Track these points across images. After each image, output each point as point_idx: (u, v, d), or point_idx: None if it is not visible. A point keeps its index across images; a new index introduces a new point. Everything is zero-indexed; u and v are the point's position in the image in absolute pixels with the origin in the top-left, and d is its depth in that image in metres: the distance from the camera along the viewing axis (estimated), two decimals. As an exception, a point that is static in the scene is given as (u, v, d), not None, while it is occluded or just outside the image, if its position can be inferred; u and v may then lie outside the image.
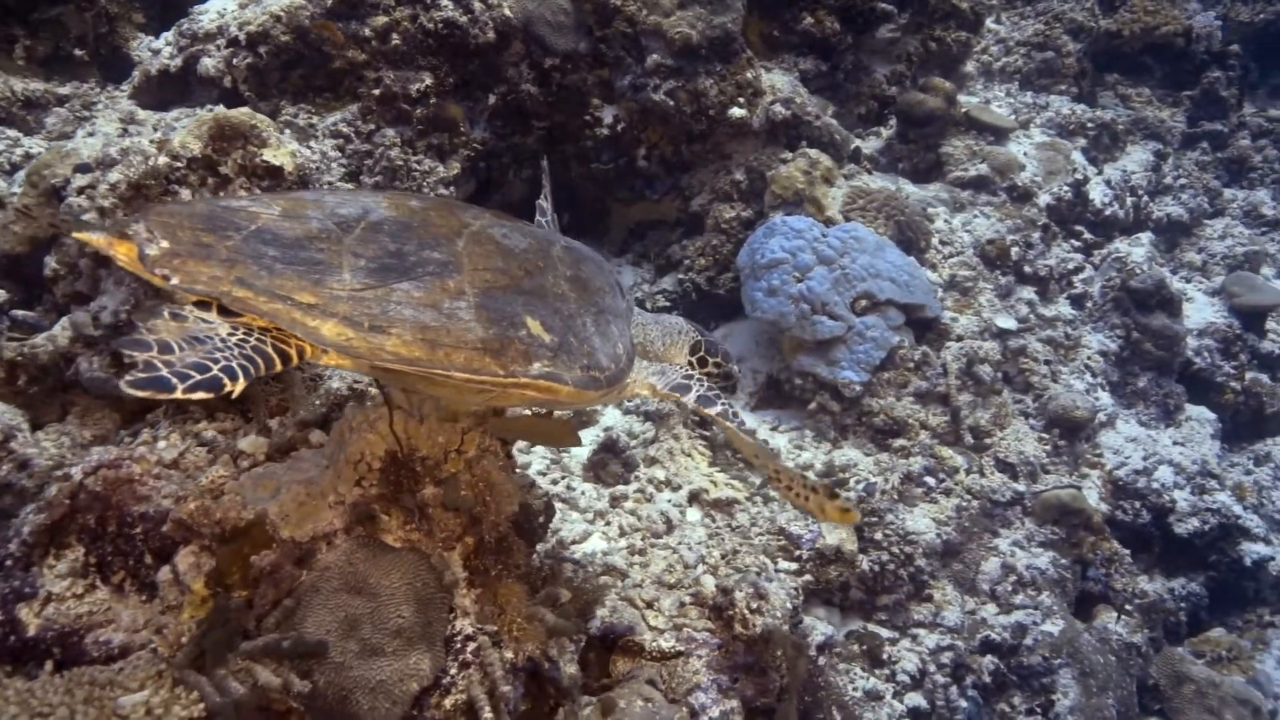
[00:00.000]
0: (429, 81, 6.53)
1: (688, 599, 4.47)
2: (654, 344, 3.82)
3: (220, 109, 4.39)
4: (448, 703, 3.56)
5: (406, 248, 2.99)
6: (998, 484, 6.46)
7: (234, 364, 2.59)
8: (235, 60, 6.22)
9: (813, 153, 7.14)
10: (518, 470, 4.42)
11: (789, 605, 4.65)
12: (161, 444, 4.40)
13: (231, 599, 3.52)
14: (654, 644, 4.22)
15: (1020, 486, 6.52)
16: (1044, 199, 8.06)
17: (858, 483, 6.21)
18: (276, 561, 3.66)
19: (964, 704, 5.84)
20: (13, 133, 5.79)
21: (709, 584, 4.44)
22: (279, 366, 2.73)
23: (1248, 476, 7.87)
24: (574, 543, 5.23)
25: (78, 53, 6.45)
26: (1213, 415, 7.86)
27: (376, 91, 6.37)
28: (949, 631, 5.96)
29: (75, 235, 2.93)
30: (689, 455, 6.00)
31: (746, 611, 4.22)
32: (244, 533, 3.69)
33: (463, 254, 3.06)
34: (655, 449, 6.03)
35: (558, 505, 5.67)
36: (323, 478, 3.80)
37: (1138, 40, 9.43)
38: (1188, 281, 8.91)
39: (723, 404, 3.53)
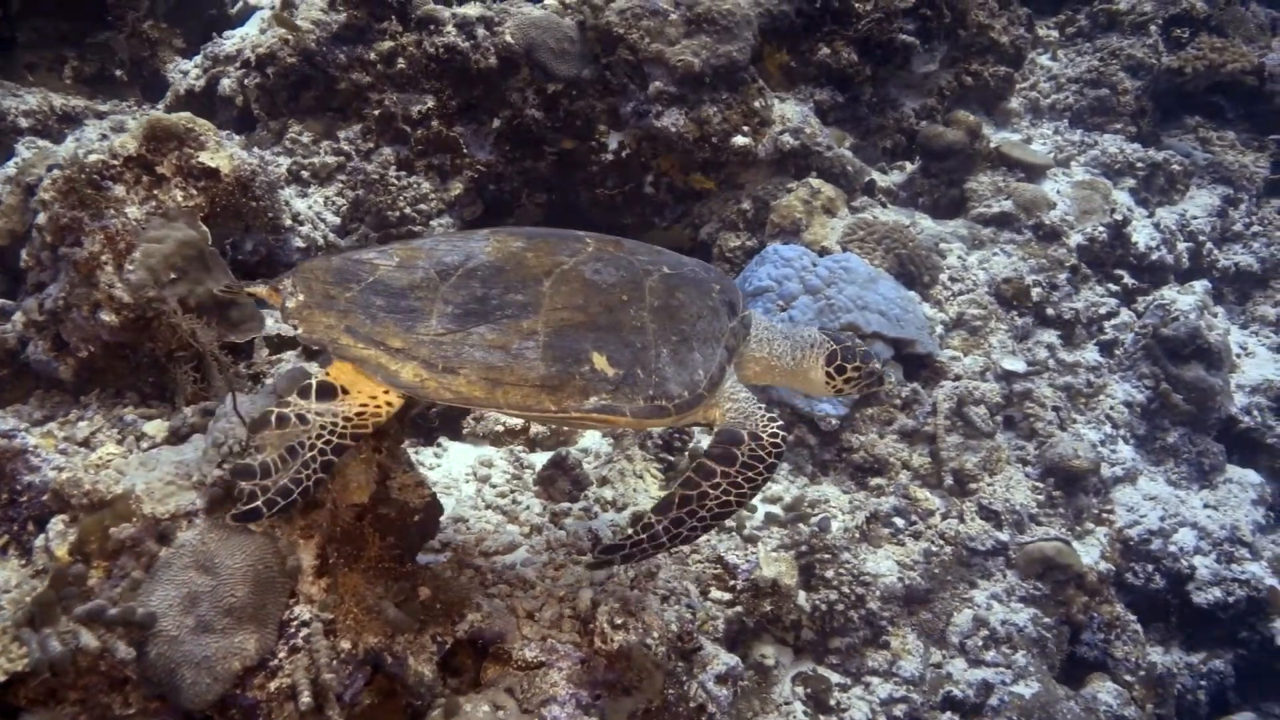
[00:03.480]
0: (431, 104, 6.78)
1: (568, 612, 4.39)
2: (783, 359, 3.90)
3: (155, 112, 4.70)
4: (272, 685, 3.62)
5: (492, 292, 3.36)
6: (977, 531, 6.08)
7: (313, 480, 3.35)
8: (246, 80, 6.63)
9: (815, 182, 7.01)
10: (411, 469, 4.46)
11: (674, 629, 4.52)
12: (82, 423, 4.70)
13: (72, 566, 3.68)
14: (520, 653, 4.17)
15: (1003, 536, 6.11)
16: (1075, 239, 7.60)
17: (827, 516, 5.97)
18: (137, 535, 3.81)
19: (916, 761, 5.50)
20: (44, 143, 6.31)
21: (585, 598, 4.35)
22: (354, 446, 3.45)
23: (1298, 550, 7.14)
24: (497, 553, 5.22)
25: (118, 73, 7.02)
26: (1259, 479, 7.18)
27: (376, 112, 6.65)
28: (905, 682, 5.62)
29: (247, 289, 3.69)
30: (640, 477, 5.92)
31: (607, 626, 4.13)
32: (109, 505, 3.86)
33: (545, 294, 3.38)
34: (608, 469, 5.98)
35: (496, 516, 5.70)
36: (193, 459, 3.97)
37: (1202, 79, 8.83)
38: (1254, 335, 8.22)
39: (724, 480, 3.46)
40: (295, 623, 3.71)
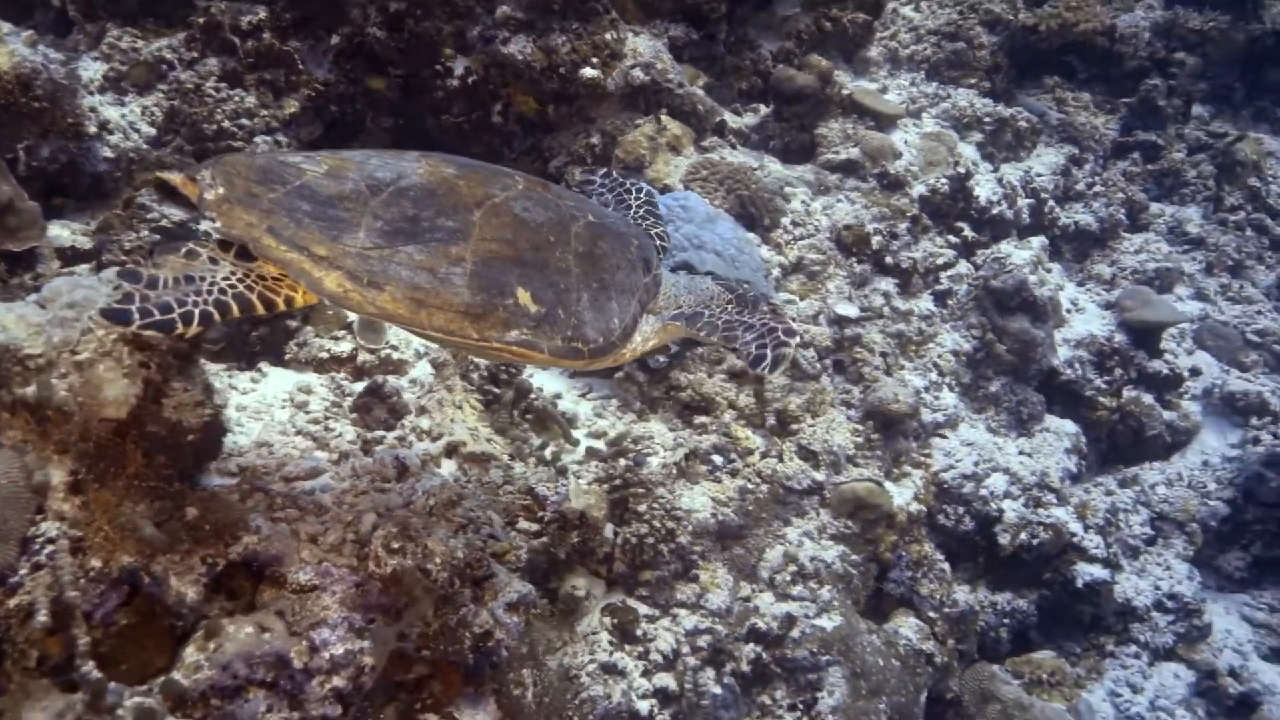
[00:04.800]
0: (263, 15, 6.50)
1: (350, 536, 4.34)
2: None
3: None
4: (12, 602, 3.49)
5: (423, 214, 3.32)
6: (794, 470, 6.20)
7: (199, 310, 3.10)
8: (61, -22, 6.26)
9: (662, 119, 6.96)
10: (193, 388, 4.32)
11: (461, 555, 4.51)
12: None
13: None
14: (295, 576, 4.12)
15: (820, 476, 6.26)
16: (918, 189, 7.74)
17: (647, 452, 6.02)
18: (-126, 447, 3.62)
19: (717, 690, 5.62)
20: None
21: (368, 522, 4.31)
22: (260, 311, 3.23)
23: (1107, 498, 7.49)
24: (298, 479, 5.13)
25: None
26: (1074, 429, 7.49)
27: (202, 20, 6.35)
28: (711, 615, 5.74)
29: (159, 174, 3.74)
30: (459, 408, 5.87)
31: (382, 550, 4.10)
32: None
33: (475, 224, 3.37)
34: (428, 398, 5.92)
35: (305, 442, 5.60)
36: (-60, 368, 3.77)
37: (1056, 37, 9.02)
38: (1087, 292, 8.52)
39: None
40: (41, 539, 3.59)
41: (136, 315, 3.06)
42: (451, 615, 4.26)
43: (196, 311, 3.10)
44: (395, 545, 4.15)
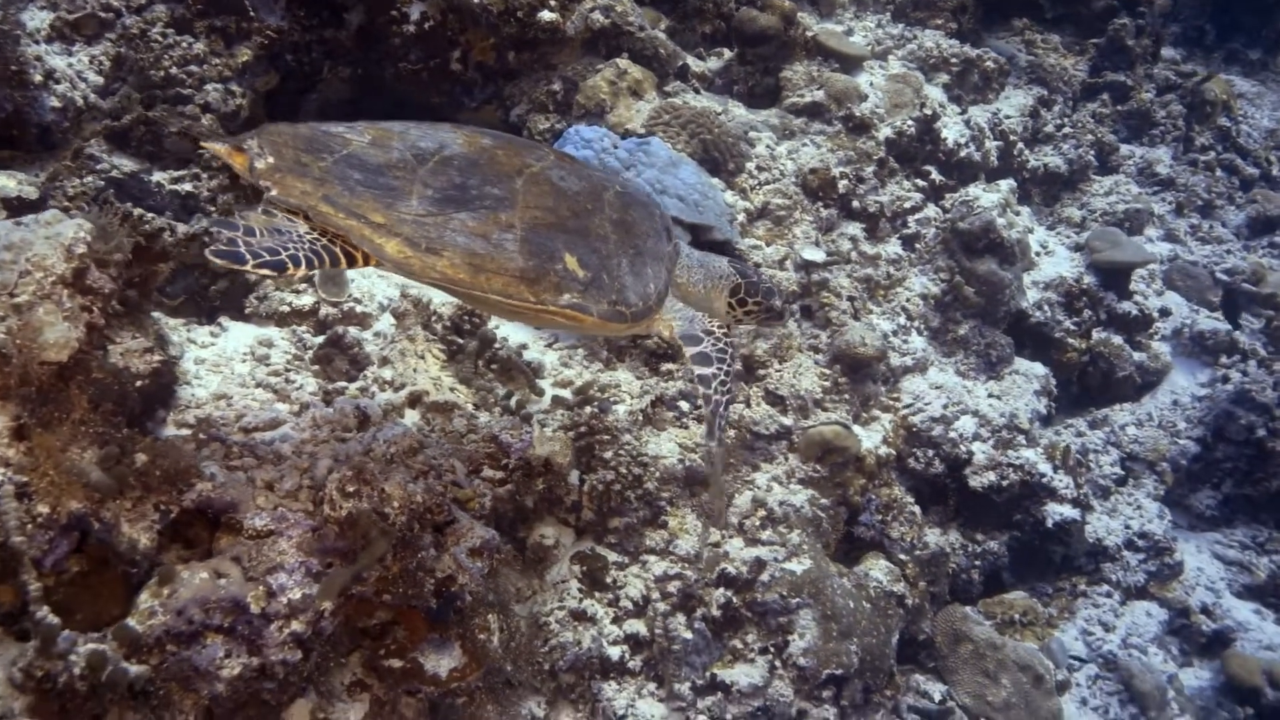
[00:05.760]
0: (211, -41, 6.32)
1: (307, 482, 4.29)
2: (697, 286, 4.15)
3: None
4: (-44, 549, 3.43)
5: (470, 182, 3.46)
6: (762, 416, 6.17)
7: (302, 254, 3.23)
8: (-2, -76, 6.05)
9: (622, 63, 6.84)
10: (141, 335, 4.24)
11: (420, 499, 4.46)
12: None
13: None
14: (251, 522, 4.06)
15: (788, 420, 6.23)
16: (884, 132, 7.65)
17: (613, 400, 5.98)
18: None
19: (688, 635, 5.62)
20: None
21: (323, 467, 4.25)
22: (344, 265, 3.34)
23: (1077, 439, 7.50)
24: (258, 429, 5.06)
25: None
26: (1043, 371, 7.47)
27: (147, -35, 6.18)
28: (681, 560, 5.72)
29: (203, 144, 3.69)
30: (421, 358, 5.80)
31: (336, 494, 4.05)
32: None
33: (519, 192, 3.51)
34: (390, 349, 5.84)
35: (265, 394, 5.52)
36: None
37: (1022, -25, 8.96)
38: (1056, 235, 8.48)
39: (719, 368, 3.99)
40: (-14, 486, 3.51)
41: (248, 256, 3.13)
42: (411, 559, 4.21)
43: (302, 255, 3.23)
44: (350, 489, 4.10)
